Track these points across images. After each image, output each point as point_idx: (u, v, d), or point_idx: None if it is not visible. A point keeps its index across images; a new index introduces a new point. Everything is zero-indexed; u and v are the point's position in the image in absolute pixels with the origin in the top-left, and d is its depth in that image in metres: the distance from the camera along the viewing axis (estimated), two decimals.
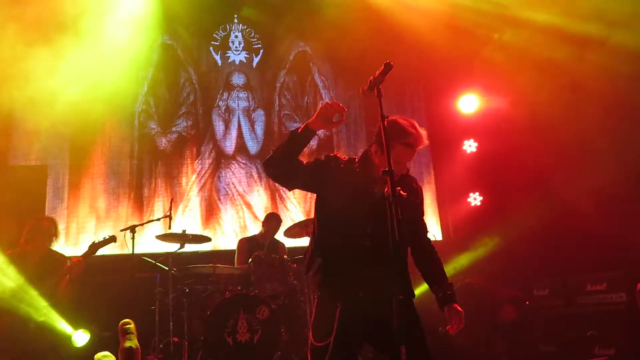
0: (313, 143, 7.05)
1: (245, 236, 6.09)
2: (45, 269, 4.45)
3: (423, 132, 2.60)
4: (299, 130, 2.52)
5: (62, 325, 4.27)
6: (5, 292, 4.23)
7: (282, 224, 5.86)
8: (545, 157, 6.19)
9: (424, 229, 2.85)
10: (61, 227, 6.18)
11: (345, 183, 2.62)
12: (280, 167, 2.58)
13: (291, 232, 5.52)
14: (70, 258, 4.69)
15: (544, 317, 5.69)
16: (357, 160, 2.74)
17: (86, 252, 4.61)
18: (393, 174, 2.24)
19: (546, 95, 5.99)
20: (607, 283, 5.22)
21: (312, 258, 2.67)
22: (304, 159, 2.62)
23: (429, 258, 2.76)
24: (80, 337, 4.34)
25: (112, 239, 4.73)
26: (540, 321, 5.70)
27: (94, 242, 4.68)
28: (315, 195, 2.79)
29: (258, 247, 5.55)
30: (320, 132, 6.97)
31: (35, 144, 6.41)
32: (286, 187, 3.03)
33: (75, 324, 4.38)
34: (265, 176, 6.89)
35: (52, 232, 4.70)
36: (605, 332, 5.02)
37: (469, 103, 7.40)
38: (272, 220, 5.83)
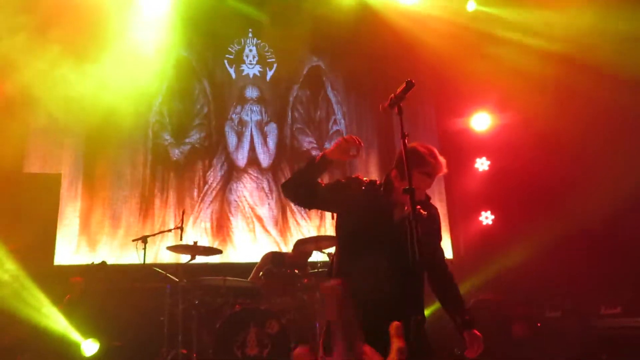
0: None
1: (275, 251, 5.85)
2: None
3: (442, 160, 2.63)
4: (317, 160, 2.61)
5: (71, 333, 4.26)
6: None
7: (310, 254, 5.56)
8: (557, 176, 6.16)
9: (441, 254, 2.86)
10: (73, 236, 6.26)
11: (366, 205, 2.65)
12: (298, 191, 2.68)
13: (301, 247, 5.48)
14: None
15: (556, 339, 5.61)
16: (378, 183, 2.76)
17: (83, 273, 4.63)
18: (414, 192, 2.24)
19: (559, 114, 5.97)
20: (621, 306, 5.14)
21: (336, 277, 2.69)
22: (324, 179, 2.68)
23: (447, 284, 2.77)
24: (90, 347, 4.33)
25: (103, 264, 4.78)
26: (552, 343, 5.61)
27: (87, 265, 4.80)
28: (335, 215, 2.83)
29: (283, 266, 5.35)
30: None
31: (50, 152, 6.47)
32: (305, 208, 3.09)
33: (85, 333, 4.37)
34: (277, 189, 6.91)
35: None
36: (619, 357, 4.93)
37: (481, 121, 7.40)
38: (302, 245, 5.42)
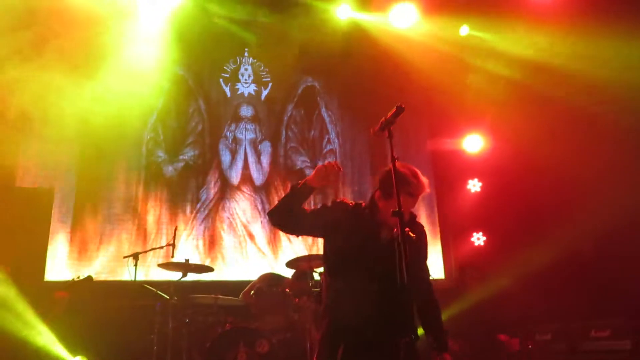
0: None
1: (275, 273, 5.72)
2: None
3: (425, 180, 2.70)
4: (299, 186, 2.65)
5: (60, 350, 4.23)
6: None
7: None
8: (549, 198, 6.22)
9: (426, 272, 2.89)
10: (64, 250, 6.23)
11: (353, 227, 2.69)
12: (282, 218, 2.71)
13: (293, 265, 5.48)
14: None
15: None
16: (363, 205, 2.80)
17: (66, 288, 4.58)
18: (403, 216, 2.28)
19: (551, 137, 6.05)
20: (611, 330, 5.15)
21: (325, 304, 2.73)
22: (309, 205, 2.72)
23: (429, 304, 2.81)
24: None
25: (89, 279, 4.73)
26: None
27: (72, 280, 4.70)
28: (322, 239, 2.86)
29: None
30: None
31: (43, 167, 6.47)
32: (292, 235, 3.13)
33: (74, 349, 4.34)
34: (270, 207, 6.91)
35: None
36: None
37: (473, 143, 7.48)
38: (304, 280, 5.31)
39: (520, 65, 6.67)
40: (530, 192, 6.34)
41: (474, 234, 7.27)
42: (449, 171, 7.28)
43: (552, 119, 6.13)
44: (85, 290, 4.64)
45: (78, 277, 4.62)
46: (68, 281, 4.63)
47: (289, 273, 5.55)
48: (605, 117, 5.77)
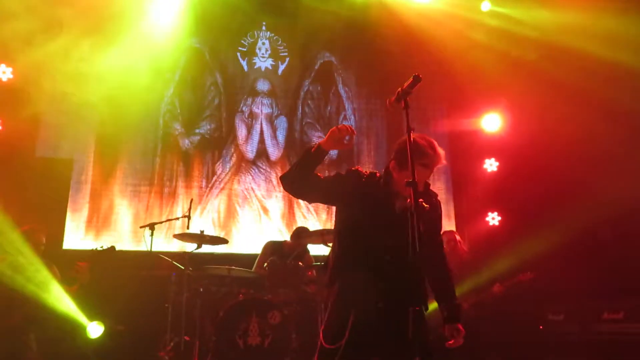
0: (333, 153, 7.10)
1: (274, 240, 5.97)
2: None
3: (441, 152, 2.67)
4: (312, 149, 2.64)
5: (78, 316, 4.34)
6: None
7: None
8: (566, 179, 6.14)
9: (439, 243, 2.88)
10: (82, 221, 6.35)
11: (366, 197, 2.67)
12: (295, 182, 2.69)
13: (308, 240, 5.52)
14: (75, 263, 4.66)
15: (557, 342, 5.60)
16: (378, 175, 2.78)
17: (88, 258, 4.58)
18: (417, 186, 2.27)
19: (569, 118, 5.95)
20: (624, 312, 5.13)
21: (333, 270, 2.71)
22: (323, 171, 2.70)
23: (442, 274, 2.79)
24: (95, 329, 4.41)
25: (112, 249, 4.71)
26: (553, 346, 5.61)
27: (95, 250, 4.66)
28: (335, 207, 2.85)
29: (282, 255, 5.45)
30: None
31: (63, 137, 6.56)
32: (305, 200, 3.11)
33: (91, 316, 4.45)
34: None
35: (42, 240, 4.71)
36: None
37: (491, 122, 7.38)
38: (302, 238, 5.55)
39: (541, 44, 6.53)
40: (546, 172, 6.26)
41: (489, 213, 7.22)
42: (465, 150, 7.19)
43: (571, 101, 6.01)
44: (107, 260, 4.67)
45: (102, 247, 4.66)
46: (91, 250, 4.65)
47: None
48: (624, 99, 5.65)
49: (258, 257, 5.69)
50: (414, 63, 6.82)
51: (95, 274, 4.65)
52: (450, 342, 2.65)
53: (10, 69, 6.07)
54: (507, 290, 5.32)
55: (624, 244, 5.41)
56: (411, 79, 2.37)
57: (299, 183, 2.68)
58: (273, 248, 5.66)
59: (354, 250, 2.66)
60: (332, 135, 2.60)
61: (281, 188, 6.91)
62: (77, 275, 4.39)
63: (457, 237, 5.81)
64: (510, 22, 6.77)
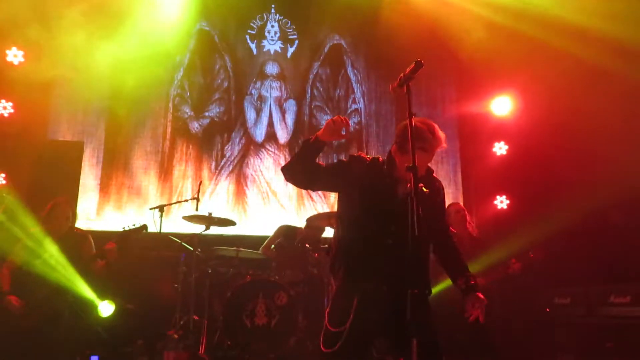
0: None
1: (289, 225, 5.92)
2: (67, 247, 4.51)
3: (442, 135, 2.67)
4: (311, 140, 2.67)
5: (90, 294, 4.44)
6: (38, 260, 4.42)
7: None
8: (575, 163, 6.09)
9: (445, 226, 2.90)
10: (93, 203, 6.45)
11: (369, 182, 2.69)
12: (296, 174, 2.73)
13: (314, 222, 5.57)
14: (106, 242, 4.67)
15: (564, 325, 5.62)
16: (381, 160, 2.80)
17: (118, 238, 4.55)
18: (417, 170, 2.28)
19: (583, 100, 5.88)
20: (631, 296, 5.11)
21: (337, 255, 2.75)
22: (332, 154, 2.73)
23: (451, 254, 2.81)
24: (106, 308, 4.52)
25: (144, 227, 4.64)
26: (559, 329, 5.63)
27: (124, 230, 4.59)
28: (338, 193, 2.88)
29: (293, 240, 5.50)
30: (351, 126, 6.97)
31: (74, 120, 6.64)
32: (308, 189, 3.14)
33: (102, 295, 4.55)
34: None
35: (69, 213, 4.74)
36: (626, 346, 4.93)
37: (501, 105, 7.32)
38: (317, 232, 5.57)
39: (553, 27, 6.42)
40: (556, 156, 6.21)
41: (497, 197, 7.21)
42: (475, 133, 7.16)
43: (584, 83, 5.93)
44: (135, 239, 4.68)
45: (134, 225, 4.65)
46: (121, 231, 4.65)
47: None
48: (638, 82, 5.56)
49: (269, 237, 5.74)
50: (423, 46, 6.76)
51: (126, 254, 4.70)
52: (471, 314, 2.63)
53: (21, 52, 6.13)
54: (524, 267, 5.30)
55: (632, 227, 5.37)
56: (413, 64, 2.37)
57: (300, 174, 2.72)
58: (286, 233, 5.67)
59: (357, 235, 2.68)
60: (328, 126, 2.64)
61: None
62: (108, 253, 4.45)
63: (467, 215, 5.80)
64: (522, 3, 6.66)
